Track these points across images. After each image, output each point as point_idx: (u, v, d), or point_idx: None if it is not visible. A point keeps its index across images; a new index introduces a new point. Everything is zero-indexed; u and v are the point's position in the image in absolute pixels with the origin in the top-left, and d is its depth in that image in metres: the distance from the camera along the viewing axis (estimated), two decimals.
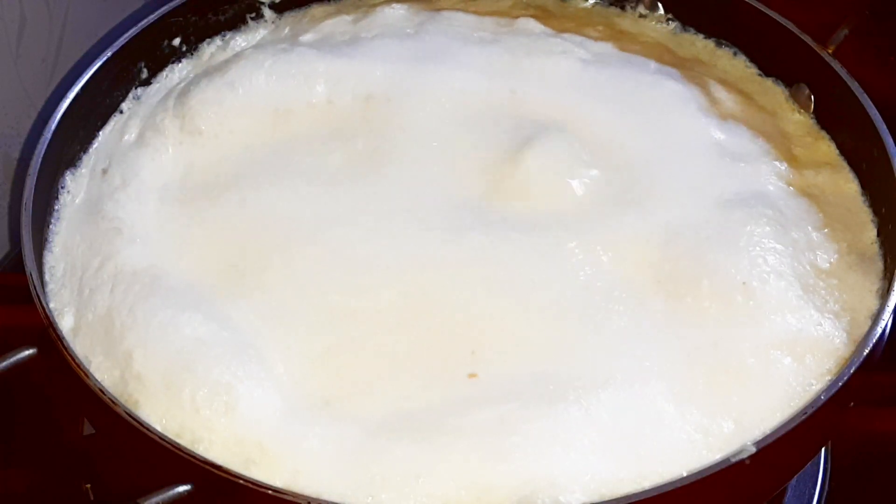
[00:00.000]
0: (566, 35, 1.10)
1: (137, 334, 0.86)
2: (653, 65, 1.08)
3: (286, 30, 1.15)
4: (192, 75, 1.09)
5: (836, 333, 0.88)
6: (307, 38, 1.11)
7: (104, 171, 1.01)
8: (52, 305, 0.91)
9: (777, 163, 1.00)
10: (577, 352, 0.87)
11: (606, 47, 1.10)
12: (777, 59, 1.10)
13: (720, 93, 1.06)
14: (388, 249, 0.92)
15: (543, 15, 1.15)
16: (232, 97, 1.02)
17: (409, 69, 1.05)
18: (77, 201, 0.99)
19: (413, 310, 0.88)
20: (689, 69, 1.09)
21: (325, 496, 0.78)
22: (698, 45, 1.14)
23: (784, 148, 1.03)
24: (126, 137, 1.03)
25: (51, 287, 0.93)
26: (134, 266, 0.91)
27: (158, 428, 0.82)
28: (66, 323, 0.90)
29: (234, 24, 1.14)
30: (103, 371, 0.86)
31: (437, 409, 0.83)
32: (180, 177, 0.99)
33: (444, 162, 0.99)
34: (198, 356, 0.84)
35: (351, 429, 0.82)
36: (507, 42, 1.08)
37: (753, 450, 0.79)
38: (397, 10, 1.13)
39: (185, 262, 0.92)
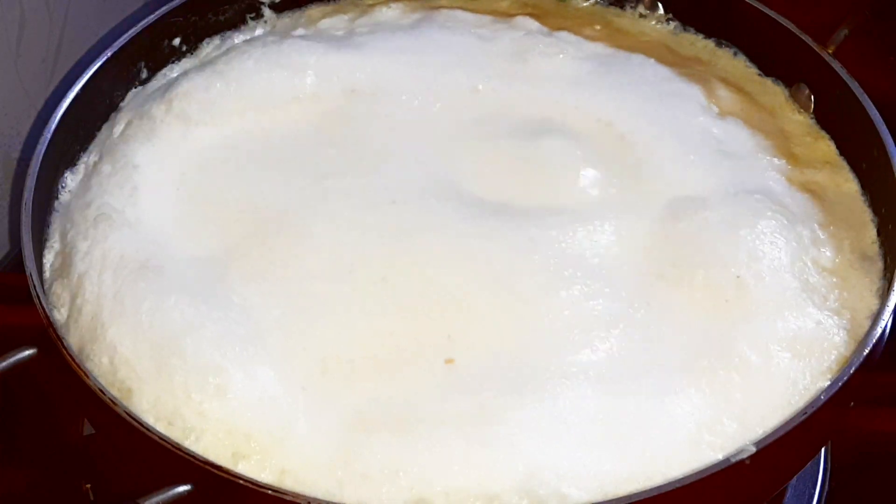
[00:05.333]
0: (561, 33, 1.10)
1: (126, 320, 0.86)
2: (650, 63, 1.08)
3: (282, 28, 1.15)
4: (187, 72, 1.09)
5: (836, 332, 0.88)
6: (300, 31, 1.11)
7: (95, 163, 1.01)
8: (49, 301, 0.91)
9: (777, 160, 1.00)
10: (563, 341, 0.86)
11: (602, 46, 1.10)
12: (777, 59, 1.10)
13: (720, 91, 1.06)
14: (368, 237, 0.92)
15: (541, 14, 1.15)
16: (220, 85, 1.02)
17: (400, 64, 1.05)
18: (73, 196, 0.99)
19: (392, 295, 0.88)
20: (688, 68, 1.09)
21: (310, 494, 0.77)
22: (698, 44, 1.14)
23: (784, 147, 1.03)
24: (116, 129, 1.03)
25: (49, 285, 0.93)
26: (122, 250, 0.91)
27: (151, 417, 0.82)
28: (60, 315, 0.90)
29: (234, 24, 1.14)
30: (94, 358, 0.86)
31: (414, 396, 0.83)
32: (168, 164, 0.99)
33: (427, 154, 0.99)
34: (188, 339, 0.84)
35: (330, 420, 0.82)
36: (500, 39, 1.08)
37: (753, 450, 0.79)
38: (395, 10, 1.14)
39: (172, 248, 0.92)
